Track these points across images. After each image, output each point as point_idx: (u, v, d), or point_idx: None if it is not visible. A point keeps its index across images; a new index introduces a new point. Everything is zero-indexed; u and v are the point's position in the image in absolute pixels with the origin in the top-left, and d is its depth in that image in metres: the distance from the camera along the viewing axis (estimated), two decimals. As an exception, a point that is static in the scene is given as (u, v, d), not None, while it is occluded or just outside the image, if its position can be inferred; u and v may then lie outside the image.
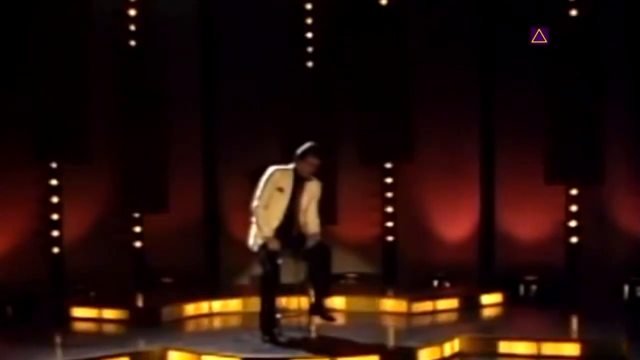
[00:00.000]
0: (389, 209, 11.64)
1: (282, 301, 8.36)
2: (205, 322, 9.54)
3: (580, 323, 9.49)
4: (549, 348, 8.08)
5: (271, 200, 8.04)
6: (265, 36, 11.46)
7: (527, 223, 11.19)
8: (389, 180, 11.67)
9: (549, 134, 11.08)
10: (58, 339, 8.92)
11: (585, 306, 10.17)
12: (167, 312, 9.48)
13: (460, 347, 8.25)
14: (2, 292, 10.14)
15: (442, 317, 9.62)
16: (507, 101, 11.29)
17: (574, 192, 11.08)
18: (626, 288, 10.67)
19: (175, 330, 9.08)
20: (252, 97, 11.59)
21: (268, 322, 8.07)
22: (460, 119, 11.45)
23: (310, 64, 11.77)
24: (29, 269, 10.50)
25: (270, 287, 8.03)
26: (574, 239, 11.05)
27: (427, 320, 9.48)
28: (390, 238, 11.64)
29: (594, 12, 10.94)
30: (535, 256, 11.05)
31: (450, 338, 8.23)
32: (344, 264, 10.84)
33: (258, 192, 8.05)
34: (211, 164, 11.77)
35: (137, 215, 11.49)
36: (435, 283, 11.21)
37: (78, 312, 9.74)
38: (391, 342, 8.26)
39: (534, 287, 10.99)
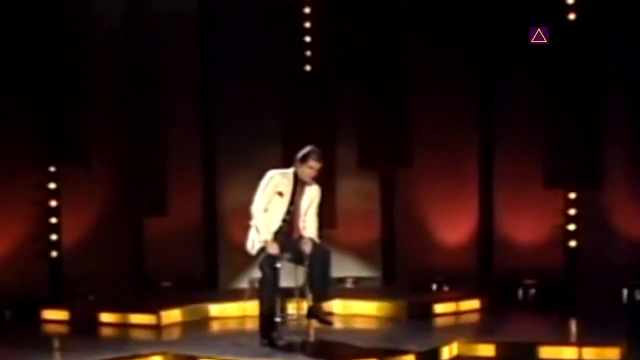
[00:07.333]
0: (388, 213, 11.63)
1: (281, 305, 8.35)
2: (204, 326, 9.53)
3: (579, 327, 9.50)
4: (548, 352, 8.08)
5: (271, 204, 8.05)
6: (265, 42, 11.47)
7: (526, 227, 11.19)
8: (387, 184, 11.67)
9: (548, 138, 11.08)
10: (56, 343, 8.92)
11: (584, 310, 10.18)
12: (166, 316, 9.47)
13: (459, 351, 8.25)
14: (0, 297, 10.14)
15: (441, 321, 9.62)
16: (506, 105, 11.30)
17: (572, 196, 11.08)
18: (625, 292, 10.68)
19: (174, 335, 9.08)
20: (252, 102, 11.59)
21: (267, 326, 8.07)
22: (459, 123, 11.44)
23: (308, 67, 11.79)
24: (27, 273, 10.50)
25: (269, 291, 8.03)
26: (572, 243, 11.05)
27: (426, 324, 9.48)
28: (389, 242, 11.64)
29: (594, 16, 10.94)
30: (534, 260, 11.04)
31: (449, 342, 8.23)
32: (343, 268, 10.85)
33: (258, 196, 8.04)
34: (210, 167, 11.77)
35: (135, 219, 11.48)
36: (434, 287, 11.21)
37: (77, 316, 9.74)
38: (390, 346, 8.24)
39: (532, 291, 11.00)
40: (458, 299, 10.11)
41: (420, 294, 10.71)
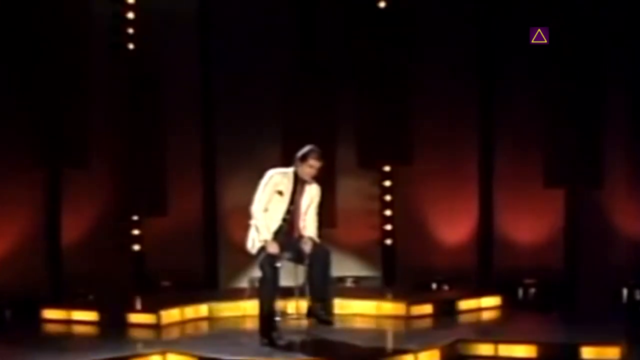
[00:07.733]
0: (388, 212, 11.65)
1: (281, 304, 8.35)
2: (204, 325, 9.53)
3: (578, 326, 9.49)
4: (547, 351, 8.08)
5: (270, 203, 8.05)
6: (265, 42, 11.47)
7: (525, 226, 11.19)
8: (387, 183, 11.68)
9: (548, 137, 11.08)
10: (57, 343, 8.92)
11: (584, 310, 10.17)
12: (165, 315, 9.48)
13: (459, 351, 8.25)
14: (0, 296, 10.14)
15: (441, 321, 9.62)
16: (506, 105, 11.30)
17: (571, 195, 11.07)
18: (625, 291, 10.68)
19: (174, 334, 9.09)
20: (252, 102, 11.59)
21: (267, 325, 8.07)
22: (460, 123, 11.45)
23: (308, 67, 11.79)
24: (28, 272, 10.49)
25: (269, 290, 8.03)
26: (572, 243, 11.04)
27: (425, 323, 9.48)
28: (389, 241, 11.64)
29: (594, 17, 10.94)
30: (534, 259, 11.05)
31: (449, 342, 8.23)
32: (342, 267, 10.85)
33: (257, 195, 8.04)
34: (210, 167, 11.77)
35: (136, 218, 11.48)
36: (434, 286, 11.22)
37: (76, 315, 9.74)
38: (390, 345, 8.25)
39: (532, 291, 11.00)
40: (458, 298, 10.10)
41: (420, 294, 10.70)
